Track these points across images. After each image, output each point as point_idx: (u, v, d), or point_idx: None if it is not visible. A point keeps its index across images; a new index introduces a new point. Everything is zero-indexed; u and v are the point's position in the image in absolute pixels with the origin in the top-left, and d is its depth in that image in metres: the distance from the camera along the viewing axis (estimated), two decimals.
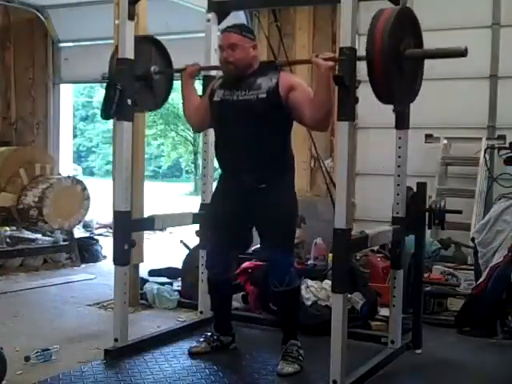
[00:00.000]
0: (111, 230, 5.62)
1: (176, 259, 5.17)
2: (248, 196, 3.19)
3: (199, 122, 3.48)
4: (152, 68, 3.56)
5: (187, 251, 4.82)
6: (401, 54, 2.74)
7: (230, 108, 3.18)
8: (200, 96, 3.50)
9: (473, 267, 4.49)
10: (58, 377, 3.01)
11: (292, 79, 3.15)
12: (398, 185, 3.38)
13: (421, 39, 2.92)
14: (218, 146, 3.37)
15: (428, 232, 4.41)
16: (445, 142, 5.52)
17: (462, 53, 2.74)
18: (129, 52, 3.31)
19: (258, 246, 4.33)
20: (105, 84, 3.33)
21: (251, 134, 3.12)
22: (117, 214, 3.34)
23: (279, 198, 3.18)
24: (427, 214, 3.52)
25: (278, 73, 3.15)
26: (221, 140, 3.32)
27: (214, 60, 3.88)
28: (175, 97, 20.74)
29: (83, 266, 6.11)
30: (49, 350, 3.28)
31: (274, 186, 3.17)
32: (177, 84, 3.73)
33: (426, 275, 4.23)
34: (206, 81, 3.87)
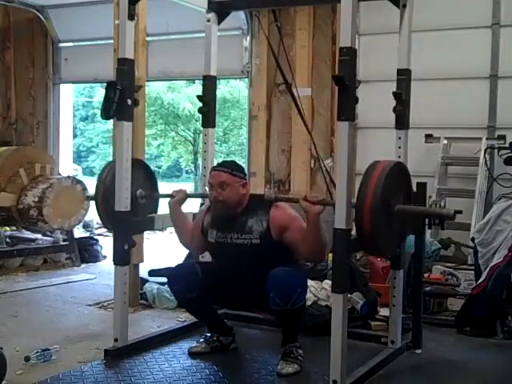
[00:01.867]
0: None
1: (176, 259, 5.16)
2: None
3: (198, 248, 3.52)
4: (138, 192, 3.50)
5: (187, 251, 4.81)
6: (391, 210, 2.82)
7: (225, 250, 3.25)
8: (199, 97, 3.46)
9: (473, 267, 4.48)
10: (58, 377, 3.01)
11: (281, 218, 3.15)
12: None
13: (411, 191, 3.03)
14: (216, 273, 3.32)
15: (428, 232, 4.41)
16: (445, 141, 5.52)
17: (450, 216, 2.86)
18: (129, 52, 3.31)
19: None
20: (105, 84, 3.33)
21: (250, 270, 3.17)
22: (117, 214, 3.34)
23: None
24: None
25: (267, 211, 3.16)
26: (219, 270, 3.30)
27: (215, 60, 3.88)
28: (175, 97, 20.74)
29: (83, 266, 6.10)
30: (49, 349, 3.27)
31: None
32: None
33: (426, 275, 4.23)
34: (206, 81, 3.89)
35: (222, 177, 3.17)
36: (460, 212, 3.78)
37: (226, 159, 3.92)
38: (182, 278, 3.30)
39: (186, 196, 3.48)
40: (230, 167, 3.22)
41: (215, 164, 3.50)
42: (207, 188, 3.38)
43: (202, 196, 3.71)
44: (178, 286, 3.31)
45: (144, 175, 3.65)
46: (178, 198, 3.44)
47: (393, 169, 2.85)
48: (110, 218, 3.43)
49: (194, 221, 3.53)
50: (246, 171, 6.33)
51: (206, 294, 3.28)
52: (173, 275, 3.38)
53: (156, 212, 3.74)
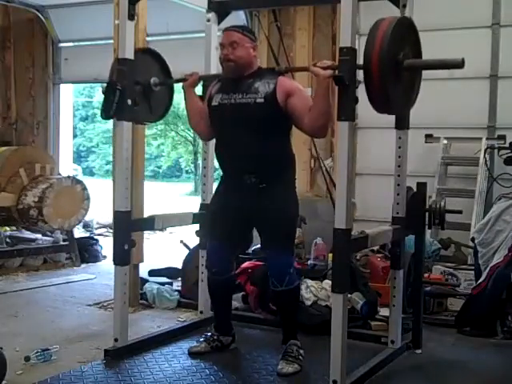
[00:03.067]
0: (111, 230, 5.63)
1: (176, 259, 5.17)
2: (248, 196, 3.20)
3: (206, 130, 3.47)
4: (152, 80, 3.54)
5: (187, 251, 4.82)
6: (399, 64, 2.75)
7: (228, 111, 3.20)
8: (201, 97, 3.50)
9: (473, 267, 4.48)
10: (58, 377, 3.01)
11: (290, 84, 3.15)
12: (398, 185, 3.38)
13: (419, 48, 2.92)
14: (218, 147, 3.38)
15: (428, 232, 4.41)
16: (445, 141, 5.52)
17: (459, 64, 2.77)
18: (129, 52, 3.31)
19: (258, 246, 4.34)
20: (105, 84, 3.32)
21: (250, 136, 3.13)
22: (117, 214, 3.34)
23: (280, 198, 3.19)
24: (427, 213, 3.52)
25: (275, 77, 3.15)
26: (220, 142, 3.34)
27: (215, 60, 3.88)
28: (175, 97, 20.79)
29: (83, 266, 6.10)
30: (49, 349, 3.28)
31: (275, 186, 3.18)
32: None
33: (426, 275, 4.23)
34: (206, 81, 3.88)
35: (233, 36, 3.16)
36: (460, 212, 3.80)
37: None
38: (218, 260, 3.36)
39: (200, 78, 3.49)
40: (241, 28, 3.24)
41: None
42: (218, 48, 3.35)
43: (216, 76, 3.59)
44: (218, 268, 3.36)
45: (156, 63, 3.66)
46: (192, 80, 3.46)
47: (399, 22, 2.76)
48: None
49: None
50: None
51: (232, 286, 3.50)
52: (209, 257, 3.42)
53: (172, 100, 3.79)
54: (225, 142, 3.29)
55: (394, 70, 2.72)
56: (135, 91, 3.41)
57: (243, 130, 3.14)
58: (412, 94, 2.98)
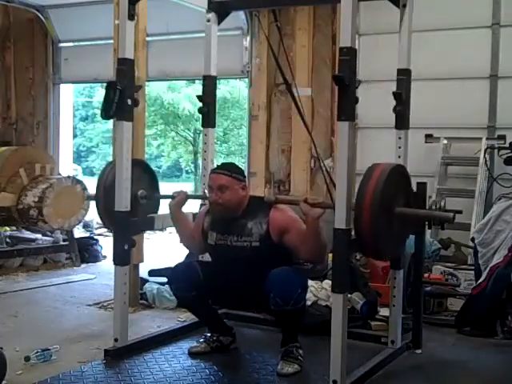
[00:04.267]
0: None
1: (176, 259, 5.16)
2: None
3: (199, 248, 3.51)
4: (139, 192, 3.50)
5: (187, 251, 4.81)
6: (391, 211, 2.80)
7: (226, 252, 3.25)
8: (198, 97, 3.46)
9: (473, 267, 4.48)
10: (58, 377, 3.01)
11: (281, 220, 3.15)
12: None
13: (410, 193, 3.00)
14: (216, 275, 3.33)
15: (428, 232, 4.41)
16: (445, 141, 5.52)
17: (449, 220, 2.85)
18: (129, 52, 3.31)
19: None
20: (105, 84, 3.33)
21: (251, 271, 3.15)
22: (117, 214, 3.34)
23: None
24: None
25: (267, 214, 3.16)
26: (219, 272, 3.30)
27: (214, 60, 3.88)
28: (175, 97, 20.73)
29: (83, 266, 6.10)
30: (49, 349, 3.27)
31: None
32: None
33: (426, 275, 4.23)
34: (206, 81, 3.89)
35: (221, 179, 3.17)
36: (460, 212, 3.79)
37: (225, 161, 3.92)
38: (181, 277, 3.30)
39: (187, 197, 3.49)
40: (229, 170, 3.22)
41: (215, 166, 3.50)
42: (207, 190, 3.38)
43: (203, 197, 3.71)
44: (178, 285, 3.33)
45: (145, 176, 3.65)
46: (179, 200, 3.45)
47: (392, 171, 2.83)
48: (110, 218, 3.42)
49: (194, 222, 3.53)
50: (246, 171, 6.35)
51: (206, 294, 3.30)
52: (173, 274, 3.39)
53: (157, 212, 3.74)
54: (225, 274, 3.27)
55: (385, 216, 2.78)
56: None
57: (243, 269, 3.18)
58: (402, 237, 3.08)
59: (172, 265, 4.57)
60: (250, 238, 3.17)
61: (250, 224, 3.18)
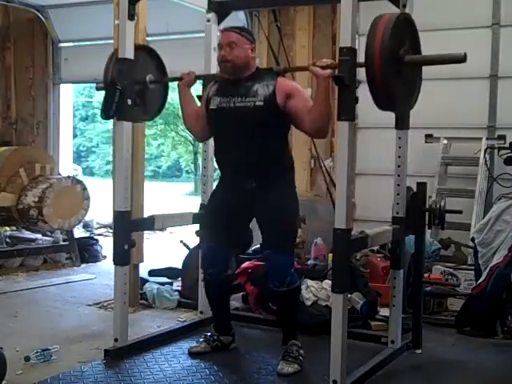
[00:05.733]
0: (111, 230, 5.63)
1: (176, 259, 5.17)
2: (248, 196, 3.20)
3: (202, 132, 3.46)
4: (147, 77, 3.53)
5: (187, 251, 4.82)
6: (400, 60, 2.73)
7: (227, 115, 3.19)
8: (199, 97, 3.49)
9: (473, 267, 4.49)
10: (58, 377, 3.01)
11: (289, 85, 3.14)
12: (398, 185, 3.38)
13: (419, 45, 2.91)
14: (216, 150, 3.38)
15: (428, 232, 4.41)
16: (445, 141, 5.52)
17: (461, 58, 2.72)
18: (128, 52, 3.31)
19: (258, 246, 4.34)
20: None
21: (249, 139, 3.13)
22: (117, 214, 3.34)
23: (280, 198, 3.19)
24: (427, 213, 3.52)
25: (274, 78, 3.14)
26: (219, 145, 3.33)
27: (214, 60, 3.88)
28: (175, 97, 20.76)
29: (83, 266, 6.10)
30: (49, 349, 3.27)
31: (275, 187, 3.17)
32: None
33: (426, 275, 4.23)
34: (206, 81, 3.88)
35: (231, 36, 3.15)
36: (460, 212, 3.80)
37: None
38: (213, 260, 3.34)
39: (196, 77, 3.48)
40: (239, 28, 3.22)
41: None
42: (216, 49, 3.33)
43: (213, 76, 3.58)
44: (214, 269, 3.33)
45: (152, 61, 3.65)
46: (188, 79, 3.46)
47: (398, 20, 2.74)
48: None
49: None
50: None
51: (230, 286, 3.45)
52: (204, 257, 3.44)
53: (166, 98, 3.76)
54: (223, 145, 3.28)
55: (395, 65, 2.70)
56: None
57: (242, 133, 3.14)
58: (413, 91, 2.97)
59: (172, 265, 4.59)
60: (255, 99, 3.11)
61: (257, 86, 3.13)
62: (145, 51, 3.65)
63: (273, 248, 3.18)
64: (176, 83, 3.57)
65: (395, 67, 2.71)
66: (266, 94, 3.10)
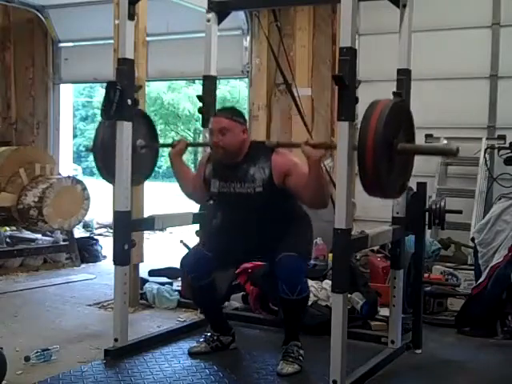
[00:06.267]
0: (111, 230, 5.63)
1: (176, 259, 5.16)
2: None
3: (201, 198, 3.49)
4: (137, 142, 3.48)
5: (187, 251, 4.81)
6: (393, 148, 2.73)
7: (229, 200, 3.23)
8: (199, 97, 3.45)
9: (473, 267, 4.49)
10: (58, 377, 3.01)
11: (284, 164, 3.14)
12: None
13: (413, 132, 2.91)
14: (219, 220, 3.38)
15: (428, 232, 4.41)
16: (445, 141, 5.52)
17: (453, 153, 2.74)
18: (129, 52, 3.31)
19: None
20: (105, 84, 3.33)
21: (256, 216, 3.17)
22: (117, 214, 3.34)
23: (292, 230, 3.22)
24: (427, 213, 3.52)
25: (268, 157, 3.15)
26: (223, 219, 3.34)
27: (214, 60, 3.88)
28: (175, 97, 20.73)
29: (83, 266, 6.10)
30: (49, 349, 3.27)
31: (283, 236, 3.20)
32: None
33: (426, 275, 4.23)
34: (206, 81, 3.89)
35: (222, 122, 3.15)
36: (460, 212, 3.80)
37: (225, 106, 3.87)
38: (195, 265, 3.29)
39: (187, 145, 3.47)
40: (230, 113, 3.21)
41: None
42: (208, 135, 3.33)
43: (203, 145, 3.62)
44: (197, 273, 3.29)
45: (144, 125, 3.62)
46: (179, 148, 3.43)
47: (393, 107, 2.74)
48: (108, 169, 3.39)
49: (195, 171, 3.50)
50: None
51: (217, 263, 3.31)
52: (186, 263, 3.37)
53: (156, 163, 3.75)
54: (230, 221, 3.30)
55: (387, 153, 2.70)
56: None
57: (248, 215, 3.18)
58: (404, 178, 3.00)
59: (172, 265, 4.59)
60: (253, 184, 3.14)
61: (253, 170, 3.16)
62: (138, 115, 3.55)
63: (286, 254, 3.10)
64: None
65: (387, 155, 2.71)
66: (264, 178, 3.13)
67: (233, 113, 3.21)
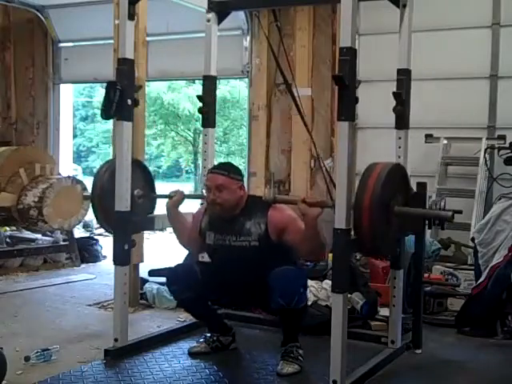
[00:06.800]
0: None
1: (176, 259, 5.16)
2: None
3: (196, 248, 3.48)
4: (135, 192, 3.48)
5: (187, 251, 4.81)
6: (389, 210, 2.78)
7: (224, 253, 3.24)
8: (199, 97, 3.44)
9: (473, 267, 4.48)
10: (58, 377, 3.01)
11: (280, 220, 3.15)
12: None
13: (409, 192, 2.95)
14: (213, 269, 3.33)
15: (428, 232, 4.41)
16: (445, 141, 5.52)
17: (449, 218, 2.81)
18: (129, 52, 3.31)
19: None
20: (105, 84, 3.33)
21: (251, 270, 3.16)
22: (117, 214, 3.34)
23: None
24: None
25: (265, 213, 3.15)
26: (218, 272, 3.30)
27: (214, 60, 3.88)
28: (175, 97, 20.71)
29: (83, 265, 6.10)
30: (49, 349, 3.27)
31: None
32: None
33: (426, 275, 4.23)
34: (206, 81, 3.89)
35: (218, 179, 3.17)
36: (460, 212, 3.79)
37: (222, 161, 3.91)
38: (180, 278, 3.30)
39: (184, 197, 3.48)
40: (226, 169, 3.22)
41: (212, 166, 3.50)
42: (204, 191, 3.37)
43: (200, 197, 3.71)
44: (176, 286, 3.32)
45: (141, 175, 3.64)
46: (176, 200, 3.44)
47: (391, 170, 2.83)
48: (107, 218, 3.43)
49: (192, 222, 3.53)
50: (246, 171, 6.35)
51: (205, 294, 3.29)
52: (171, 275, 3.38)
53: (153, 212, 3.74)
54: (224, 274, 3.26)
55: (384, 215, 2.76)
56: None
57: (243, 269, 3.17)
58: (400, 237, 3.05)
59: (172, 265, 4.56)
60: (249, 238, 3.17)
61: (249, 224, 3.18)
62: (135, 165, 3.55)
63: (281, 263, 3.09)
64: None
65: (384, 216, 2.76)
66: (260, 233, 3.15)
67: (229, 169, 3.23)
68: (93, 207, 3.56)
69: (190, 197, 3.68)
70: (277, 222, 3.15)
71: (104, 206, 3.41)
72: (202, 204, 3.78)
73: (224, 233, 3.24)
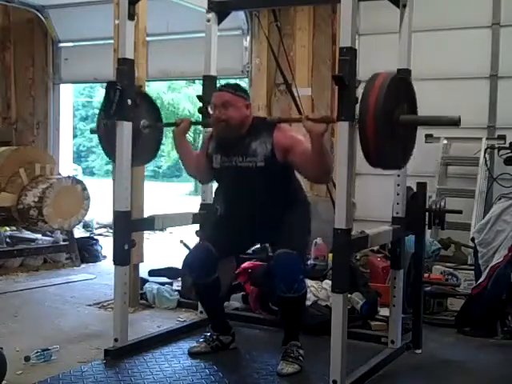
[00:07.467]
0: (111, 230, 5.63)
1: (176, 259, 5.16)
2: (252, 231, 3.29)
3: (205, 177, 3.50)
4: (141, 122, 3.49)
5: (187, 251, 4.81)
6: (394, 120, 2.72)
7: (231, 174, 3.23)
8: (199, 97, 3.44)
9: (473, 267, 4.48)
10: (58, 377, 3.01)
11: (286, 140, 3.13)
12: (398, 185, 3.38)
13: (415, 103, 2.89)
14: (222, 198, 3.40)
15: (428, 232, 4.41)
16: (445, 141, 5.52)
17: (455, 122, 2.70)
18: (129, 52, 3.31)
19: (258, 246, 4.34)
20: (105, 84, 3.33)
21: (256, 194, 3.19)
22: (117, 214, 3.34)
23: (291, 218, 3.22)
24: (427, 213, 3.52)
25: (271, 133, 3.14)
26: (225, 196, 3.36)
27: (215, 60, 3.88)
28: (175, 97, 20.71)
29: (83, 265, 6.10)
30: (49, 349, 3.27)
31: (283, 221, 3.22)
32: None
33: (426, 275, 4.23)
34: (206, 81, 3.89)
35: (224, 96, 3.14)
36: (460, 212, 3.80)
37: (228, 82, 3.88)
38: (199, 264, 3.28)
39: (191, 124, 3.46)
40: (233, 88, 3.19)
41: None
42: (210, 109, 3.31)
43: (208, 124, 3.60)
44: (197, 273, 3.31)
45: (147, 106, 3.62)
46: (183, 127, 3.41)
47: (394, 79, 2.74)
48: (113, 148, 3.39)
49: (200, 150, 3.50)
50: None
51: (222, 255, 3.32)
52: (190, 262, 3.35)
53: (161, 142, 3.75)
54: (231, 197, 3.32)
55: (389, 126, 2.69)
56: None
57: (249, 189, 3.19)
58: (407, 149, 2.97)
59: (172, 265, 4.58)
60: (255, 159, 3.14)
61: (255, 144, 3.15)
62: (140, 95, 3.56)
63: (283, 252, 3.11)
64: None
65: (389, 127, 2.69)
66: (266, 153, 3.13)
67: (236, 88, 3.20)
68: (100, 141, 3.58)
69: (196, 123, 3.62)
70: (282, 141, 3.12)
71: (110, 139, 3.40)
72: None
73: (230, 154, 3.21)
